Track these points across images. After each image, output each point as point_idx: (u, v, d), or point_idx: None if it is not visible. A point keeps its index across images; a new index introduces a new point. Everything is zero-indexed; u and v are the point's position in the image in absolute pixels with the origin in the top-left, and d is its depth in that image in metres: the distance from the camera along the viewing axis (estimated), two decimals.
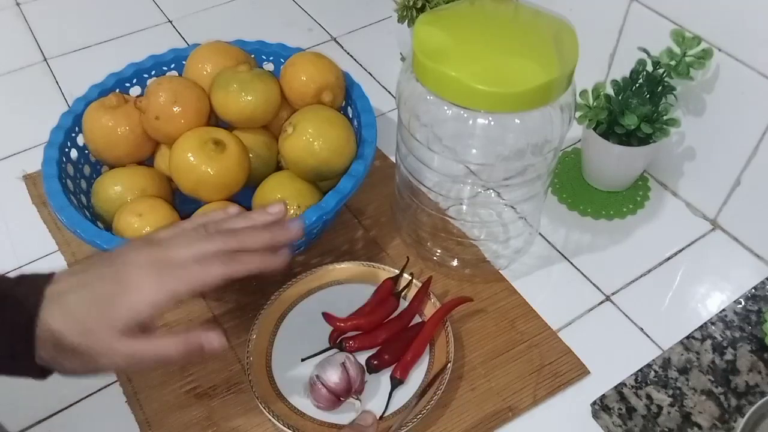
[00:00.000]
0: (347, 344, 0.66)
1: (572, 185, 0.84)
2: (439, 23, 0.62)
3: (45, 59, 1.05)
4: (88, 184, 0.76)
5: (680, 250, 0.78)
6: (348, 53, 1.06)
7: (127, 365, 0.52)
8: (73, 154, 0.75)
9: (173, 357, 0.49)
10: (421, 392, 0.63)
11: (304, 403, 0.63)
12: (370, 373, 0.65)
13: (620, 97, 0.75)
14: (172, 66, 0.83)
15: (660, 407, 0.62)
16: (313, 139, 0.70)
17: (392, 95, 0.98)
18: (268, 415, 0.61)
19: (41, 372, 0.50)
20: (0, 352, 0.48)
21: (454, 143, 0.70)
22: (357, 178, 0.69)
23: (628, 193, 0.83)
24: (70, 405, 0.66)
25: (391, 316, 0.69)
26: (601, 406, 0.63)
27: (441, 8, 0.68)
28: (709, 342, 0.67)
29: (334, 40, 1.08)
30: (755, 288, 0.71)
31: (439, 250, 0.77)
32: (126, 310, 0.47)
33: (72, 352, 0.48)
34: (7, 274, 0.50)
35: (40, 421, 0.64)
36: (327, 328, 0.68)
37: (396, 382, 0.64)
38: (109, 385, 0.67)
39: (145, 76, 0.82)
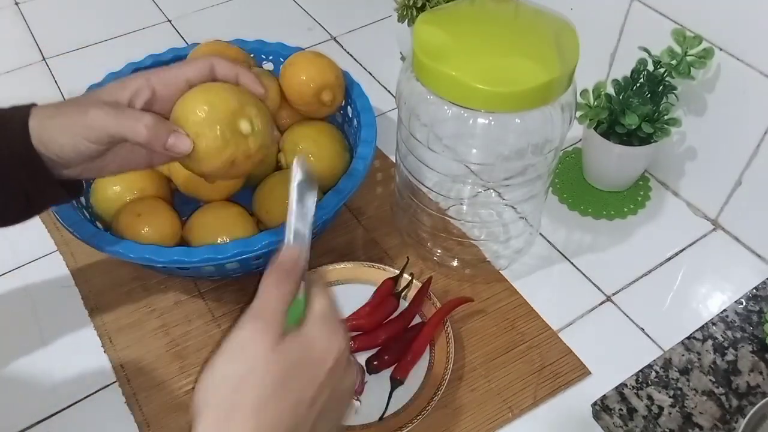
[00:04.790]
0: None
1: (573, 185, 0.84)
2: (439, 23, 0.62)
3: (44, 58, 1.05)
4: (87, 184, 0.75)
5: (681, 250, 0.78)
6: (348, 52, 1.06)
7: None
8: None
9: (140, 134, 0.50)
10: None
11: None
12: (370, 374, 0.65)
13: (621, 97, 0.75)
14: None
15: (661, 408, 0.62)
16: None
17: (392, 95, 0.98)
18: None
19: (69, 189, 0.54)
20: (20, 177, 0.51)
21: (455, 143, 0.70)
22: (357, 178, 0.69)
23: (629, 193, 0.83)
24: (70, 405, 0.65)
25: (391, 317, 0.69)
26: (601, 407, 0.63)
27: (441, 7, 0.68)
28: (710, 342, 0.67)
29: (334, 39, 1.08)
30: (756, 288, 0.71)
31: (439, 250, 0.77)
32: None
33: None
34: None
35: (39, 421, 0.64)
36: None
37: (396, 383, 0.64)
38: (108, 385, 0.67)
39: None
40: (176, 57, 0.82)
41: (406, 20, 0.89)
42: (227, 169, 0.54)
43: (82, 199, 0.73)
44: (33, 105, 0.52)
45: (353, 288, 0.72)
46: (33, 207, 0.54)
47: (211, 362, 0.39)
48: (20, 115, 0.51)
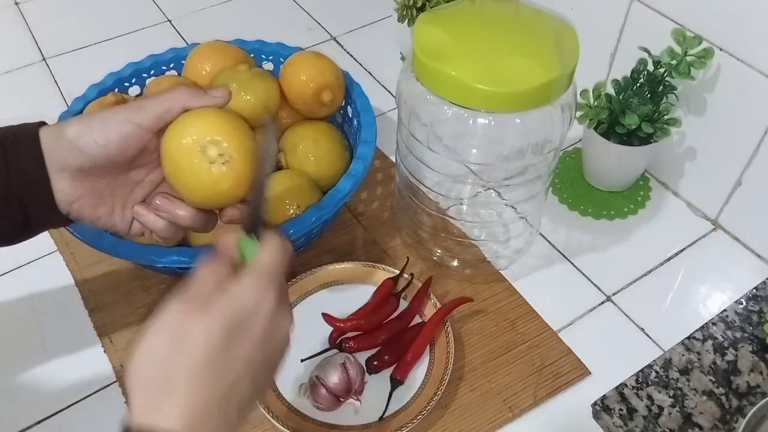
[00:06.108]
0: (347, 345, 0.66)
1: (573, 185, 0.84)
2: (439, 23, 0.62)
3: (44, 58, 1.05)
4: None
5: (681, 250, 0.78)
6: (348, 52, 1.05)
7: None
8: None
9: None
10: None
11: (304, 404, 0.63)
12: (370, 374, 0.65)
13: (621, 97, 0.75)
14: (171, 65, 0.83)
15: (661, 408, 0.62)
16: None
17: (392, 95, 0.98)
18: (267, 416, 0.61)
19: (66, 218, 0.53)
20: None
21: (455, 143, 0.70)
22: (357, 178, 0.69)
23: (629, 193, 0.83)
24: (70, 405, 0.65)
25: (391, 317, 0.69)
26: (601, 407, 0.63)
27: (441, 7, 0.68)
28: (710, 342, 0.67)
29: (334, 39, 1.08)
30: (756, 288, 0.71)
31: (439, 250, 0.77)
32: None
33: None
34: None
35: (39, 422, 0.64)
36: (327, 329, 0.67)
37: (396, 383, 0.64)
38: (108, 385, 0.67)
39: (144, 75, 0.82)
40: (176, 57, 0.82)
41: (406, 20, 0.89)
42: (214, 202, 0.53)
43: None
44: (42, 123, 0.51)
45: (353, 288, 0.72)
46: (30, 230, 0.53)
47: (138, 342, 0.40)
48: (30, 131, 0.50)
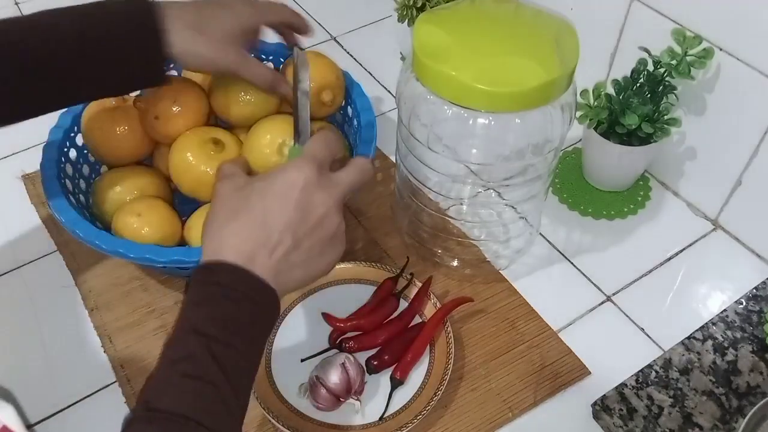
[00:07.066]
0: (347, 345, 0.66)
1: (573, 185, 0.84)
2: (439, 23, 0.62)
3: None
4: (87, 184, 0.75)
5: (681, 250, 0.78)
6: (348, 52, 1.05)
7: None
8: (72, 154, 0.75)
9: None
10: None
11: (304, 404, 0.63)
12: (370, 374, 0.65)
13: (621, 97, 0.75)
14: (172, 66, 0.83)
15: (661, 408, 0.62)
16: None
17: (392, 95, 0.98)
18: (267, 416, 0.61)
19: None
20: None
21: (455, 143, 0.70)
22: None
23: (629, 193, 0.83)
24: (70, 405, 0.65)
25: (391, 317, 0.69)
26: (601, 407, 0.63)
27: (441, 7, 0.68)
28: (710, 342, 0.67)
29: (334, 39, 1.08)
30: (756, 288, 0.71)
31: (439, 250, 0.77)
32: None
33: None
34: None
35: (39, 421, 0.64)
36: (327, 329, 0.67)
37: (396, 383, 0.64)
38: (108, 385, 0.67)
39: None
40: None
41: (406, 20, 0.89)
42: None
43: (83, 199, 0.73)
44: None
45: (353, 288, 0.72)
46: (132, 83, 0.63)
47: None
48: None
